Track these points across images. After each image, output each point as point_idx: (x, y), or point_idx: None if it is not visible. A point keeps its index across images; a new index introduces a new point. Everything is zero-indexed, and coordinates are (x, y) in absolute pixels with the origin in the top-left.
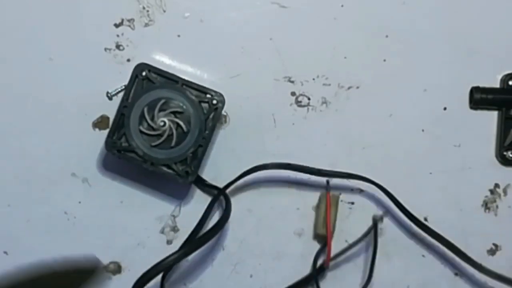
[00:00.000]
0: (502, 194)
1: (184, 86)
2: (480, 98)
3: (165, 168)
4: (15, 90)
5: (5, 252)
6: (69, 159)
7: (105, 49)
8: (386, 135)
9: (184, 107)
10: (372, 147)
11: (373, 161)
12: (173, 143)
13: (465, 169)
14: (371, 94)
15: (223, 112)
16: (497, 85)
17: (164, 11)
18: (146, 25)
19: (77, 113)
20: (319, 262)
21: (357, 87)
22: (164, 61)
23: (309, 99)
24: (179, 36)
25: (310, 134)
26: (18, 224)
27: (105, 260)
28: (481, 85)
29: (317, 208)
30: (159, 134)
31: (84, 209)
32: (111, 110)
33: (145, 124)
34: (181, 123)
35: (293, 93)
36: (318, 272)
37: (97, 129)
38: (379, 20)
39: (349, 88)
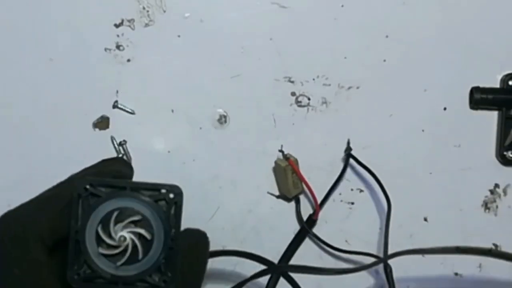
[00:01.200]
0: (502, 194)
1: (133, 191)
2: (480, 98)
3: (140, 284)
4: (15, 90)
5: None
6: (69, 159)
7: (105, 49)
8: (386, 135)
9: (141, 212)
10: (372, 147)
11: (373, 161)
12: (140, 255)
13: (465, 169)
14: (371, 94)
15: (223, 112)
16: (497, 85)
17: (164, 11)
18: (146, 25)
19: (77, 113)
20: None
21: (357, 87)
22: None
23: (309, 99)
24: (179, 36)
25: (310, 134)
26: None
27: None
28: (481, 85)
29: (279, 175)
30: (123, 250)
31: None
32: (111, 110)
33: (104, 244)
34: (142, 231)
35: (293, 93)
36: (310, 225)
37: (97, 129)
38: (379, 20)
39: (349, 88)
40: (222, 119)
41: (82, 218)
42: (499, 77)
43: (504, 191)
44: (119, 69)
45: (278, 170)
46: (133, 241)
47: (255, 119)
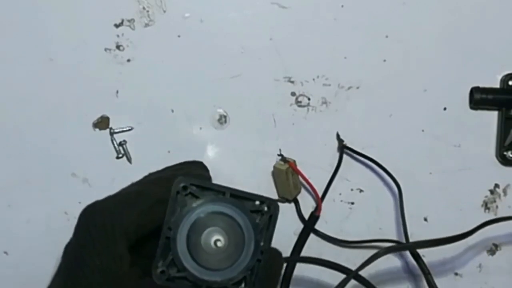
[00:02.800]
0: (502, 194)
1: (232, 197)
2: (480, 98)
3: None
4: (15, 90)
5: (5, 252)
6: (69, 159)
7: (105, 49)
8: (386, 135)
9: (236, 220)
10: (372, 147)
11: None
12: (228, 263)
13: (465, 169)
14: (371, 94)
15: (223, 112)
16: (497, 85)
17: (164, 12)
18: (146, 25)
19: (77, 113)
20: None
21: (357, 87)
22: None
23: (309, 99)
24: (179, 36)
25: (310, 134)
26: (18, 224)
27: None
28: (481, 85)
29: (280, 178)
30: (211, 255)
31: None
32: (111, 110)
33: (194, 245)
34: (234, 239)
35: (293, 93)
36: (312, 222)
37: (97, 129)
38: (379, 20)
39: (349, 88)
40: (222, 119)
41: (177, 216)
42: (499, 77)
43: (504, 191)
44: (119, 69)
45: (278, 174)
46: (223, 246)
47: (255, 119)
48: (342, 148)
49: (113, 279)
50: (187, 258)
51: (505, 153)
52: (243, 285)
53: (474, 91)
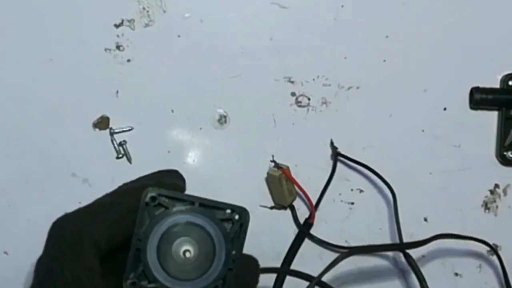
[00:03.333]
0: (502, 194)
1: (201, 207)
2: (480, 98)
3: None
4: (15, 90)
5: (5, 252)
6: (69, 159)
7: (105, 49)
8: (386, 135)
9: (206, 229)
10: (372, 147)
11: (373, 161)
12: (199, 272)
13: (465, 169)
14: (371, 94)
15: (223, 112)
16: (497, 85)
17: (164, 12)
18: (146, 25)
19: (77, 113)
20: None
21: (357, 88)
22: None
23: (309, 99)
24: (179, 36)
25: (310, 134)
26: (18, 224)
27: None
28: (481, 85)
29: (274, 185)
30: (182, 265)
31: None
32: (111, 110)
33: (165, 256)
34: (204, 248)
35: (293, 93)
36: (307, 227)
37: (97, 129)
38: (379, 20)
39: (349, 88)
40: (222, 119)
41: (147, 227)
42: (499, 77)
43: (504, 191)
44: (119, 69)
45: (272, 180)
46: (194, 256)
47: (255, 119)
48: (336, 156)
49: None
50: (158, 269)
51: (505, 153)
52: None
53: (474, 91)
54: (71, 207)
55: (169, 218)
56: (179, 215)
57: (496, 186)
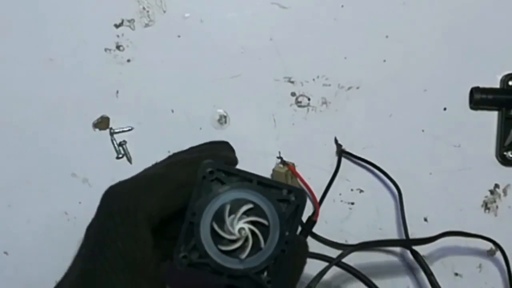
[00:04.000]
0: (502, 194)
1: (259, 185)
2: (480, 98)
3: (244, 280)
4: (15, 90)
5: (5, 252)
6: (69, 159)
7: (105, 49)
8: (386, 135)
9: (261, 208)
10: (372, 147)
11: (373, 161)
12: (251, 251)
13: (465, 169)
14: (371, 95)
15: (223, 112)
16: (497, 85)
17: (164, 12)
18: (146, 25)
19: (77, 113)
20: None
21: (357, 88)
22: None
23: (309, 99)
24: (179, 36)
25: (310, 134)
26: (18, 224)
27: None
28: (481, 85)
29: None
30: (234, 242)
31: (84, 209)
32: (111, 110)
33: (218, 232)
34: (259, 227)
35: (293, 94)
36: (310, 226)
37: (97, 129)
38: (379, 20)
39: (349, 88)
40: (222, 119)
41: (202, 201)
42: (499, 77)
43: (504, 191)
44: (119, 69)
45: (278, 177)
46: (246, 235)
47: (255, 119)
48: (341, 153)
49: (136, 264)
50: (210, 244)
51: (505, 153)
52: (265, 274)
53: (474, 91)
54: (71, 207)
55: (225, 194)
56: (235, 191)
57: (496, 186)
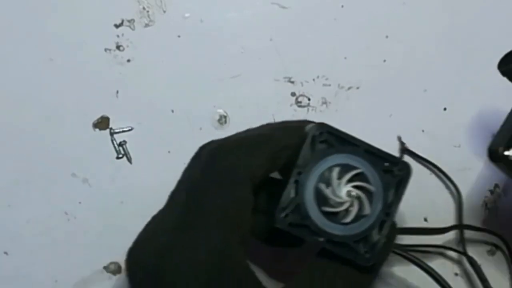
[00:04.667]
0: (502, 194)
1: (366, 152)
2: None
3: (342, 247)
4: (15, 91)
5: (5, 253)
6: (69, 159)
7: (105, 49)
8: (386, 135)
9: (366, 175)
10: None
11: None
12: (353, 218)
13: (465, 169)
14: (371, 95)
15: (223, 112)
16: (497, 85)
17: (164, 12)
18: (146, 25)
19: (77, 113)
20: None
21: (357, 88)
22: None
23: (309, 99)
24: (179, 36)
25: None
26: (18, 224)
27: (105, 260)
28: (482, 85)
29: None
30: (339, 206)
31: (85, 209)
32: (111, 110)
33: (321, 195)
34: (363, 194)
35: (293, 94)
36: None
37: (97, 129)
38: (379, 20)
39: (349, 88)
40: (222, 119)
41: (309, 162)
42: (500, 77)
43: (504, 191)
44: (119, 69)
45: None
46: (350, 201)
47: (255, 119)
48: (403, 151)
49: (234, 223)
50: (312, 207)
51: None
52: (362, 244)
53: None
54: (71, 207)
55: (332, 157)
56: (342, 156)
57: (496, 186)
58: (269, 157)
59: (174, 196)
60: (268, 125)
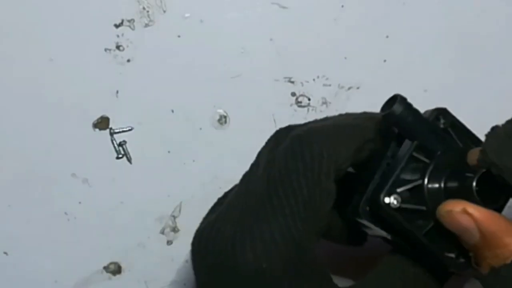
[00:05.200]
0: None
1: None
2: None
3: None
4: (15, 90)
5: (5, 253)
6: (69, 159)
7: (105, 49)
8: None
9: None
10: None
11: None
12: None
13: None
14: (371, 95)
15: (223, 112)
16: (498, 85)
17: (164, 12)
18: (146, 25)
19: (77, 113)
20: None
21: (358, 88)
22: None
23: (309, 99)
24: (179, 36)
25: None
26: (18, 224)
27: (105, 260)
28: (482, 85)
29: None
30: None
31: (84, 209)
32: (111, 110)
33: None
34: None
35: (293, 94)
36: None
37: (97, 129)
38: (380, 20)
39: (349, 88)
40: (222, 119)
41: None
42: (500, 77)
43: None
44: (119, 69)
45: None
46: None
47: (255, 119)
48: None
49: (314, 216)
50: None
51: None
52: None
53: None
54: (71, 207)
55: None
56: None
57: None
58: (355, 150)
59: (250, 179)
60: (349, 115)
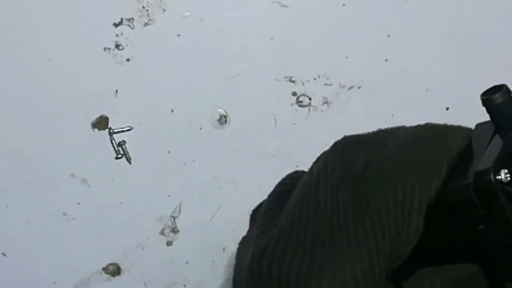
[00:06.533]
0: None
1: None
2: None
3: None
4: (15, 90)
5: (3, 254)
6: (68, 159)
7: (105, 48)
8: None
9: None
10: None
11: None
12: None
13: None
14: (372, 94)
15: (223, 112)
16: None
17: (164, 11)
18: (146, 24)
19: (77, 113)
20: None
21: (359, 87)
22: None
23: (310, 99)
24: (179, 35)
25: (311, 134)
26: (16, 225)
27: (104, 261)
28: (482, 85)
29: None
30: None
31: (83, 210)
32: (110, 110)
33: None
34: None
35: (294, 93)
36: None
37: (96, 129)
38: (381, 19)
39: (350, 88)
40: (222, 119)
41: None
42: (501, 77)
43: None
44: (118, 68)
45: None
46: None
47: (255, 119)
48: None
49: (391, 253)
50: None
51: None
52: None
53: None
54: (70, 208)
55: None
56: None
57: None
58: (443, 179)
59: (318, 196)
60: (428, 126)
